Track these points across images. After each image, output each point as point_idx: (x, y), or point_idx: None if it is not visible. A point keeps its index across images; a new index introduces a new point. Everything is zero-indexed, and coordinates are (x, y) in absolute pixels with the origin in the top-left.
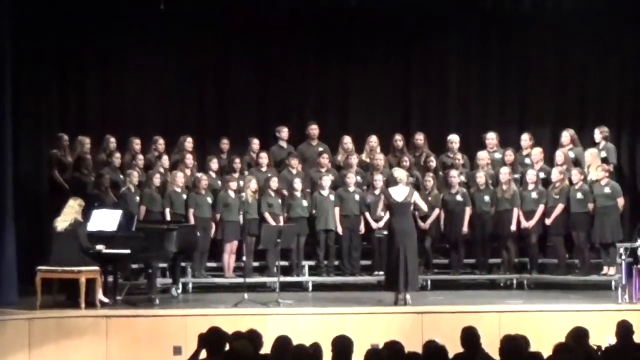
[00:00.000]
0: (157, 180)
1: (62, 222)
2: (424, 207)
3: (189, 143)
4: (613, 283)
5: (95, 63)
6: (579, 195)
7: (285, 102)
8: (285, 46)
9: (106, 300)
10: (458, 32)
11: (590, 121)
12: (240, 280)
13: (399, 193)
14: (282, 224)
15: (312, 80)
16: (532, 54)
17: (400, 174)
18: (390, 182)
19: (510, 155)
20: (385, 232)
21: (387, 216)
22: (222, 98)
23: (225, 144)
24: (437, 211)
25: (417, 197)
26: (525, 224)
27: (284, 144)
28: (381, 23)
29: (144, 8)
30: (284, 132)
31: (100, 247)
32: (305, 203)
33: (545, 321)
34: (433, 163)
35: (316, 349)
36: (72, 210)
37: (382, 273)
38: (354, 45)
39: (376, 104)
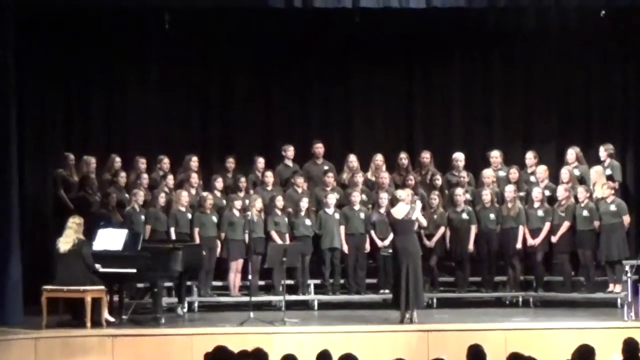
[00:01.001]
0: (161, 199)
1: (65, 244)
2: (423, 222)
3: (194, 162)
4: (619, 300)
5: (99, 82)
6: (585, 213)
7: (289, 121)
8: (289, 64)
9: (112, 319)
10: (461, 49)
11: (595, 138)
12: (246, 298)
13: (398, 210)
14: (287, 242)
15: (317, 98)
16: (536, 70)
17: (400, 193)
18: (393, 201)
19: (514, 173)
20: (391, 251)
21: (392, 235)
22: (227, 117)
23: (230, 162)
24: (442, 229)
25: (417, 213)
26: (530, 242)
27: (290, 163)
28: (384, 41)
29: (148, 27)
30: (290, 151)
31: (97, 266)
32: (309, 222)
33: (551, 339)
34: (438, 181)
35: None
36: (71, 230)
37: (387, 291)
38: (357, 63)
39: (380, 122)
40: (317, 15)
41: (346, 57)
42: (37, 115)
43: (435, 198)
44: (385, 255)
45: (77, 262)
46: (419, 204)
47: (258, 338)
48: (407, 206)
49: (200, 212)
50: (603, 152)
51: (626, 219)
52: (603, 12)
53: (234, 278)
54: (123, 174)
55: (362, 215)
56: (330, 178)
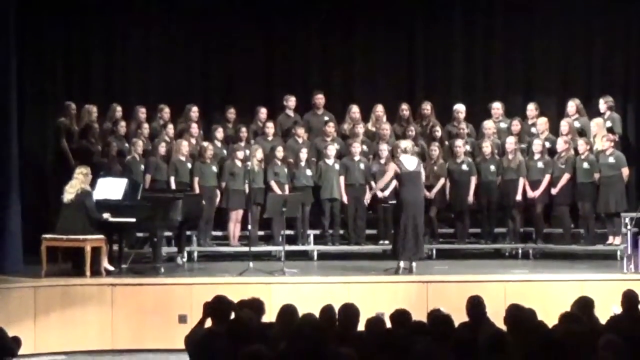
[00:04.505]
0: (162, 148)
1: (69, 194)
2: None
3: (194, 112)
4: (618, 252)
5: (99, 30)
6: (585, 165)
7: (291, 72)
8: (290, 14)
9: (111, 268)
10: (461, 4)
11: (597, 91)
12: (245, 248)
13: (409, 162)
14: (287, 192)
15: (318, 48)
16: (537, 22)
17: (407, 144)
18: (399, 152)
19: (516, 125)
20: (392, 201)
21: (392, 185)
22: (228, 67)
23: (231, 113)
24: (442, 180)
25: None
26: (530, 194)
27: (291, 113)
28: None
29: None
30: (292, 101)
31: (106, 215)
32: (310, 172)
33: (551, 291)
34: (438, 132)
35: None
36: (77, 180)
37: (387, 242)
38: (359, 13)
39: (381, 73)
40: None
41: (348, 7)
42: (37, 65)
43: (435, 149)
44: (386, 206)
45: (78, 212)
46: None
47: (257, 288)
48: (415, 158)
49: (201, 161)
50: (603, 104)
51: (625, 172)
52: None
53: (234, 228)
54: (123, 124)
55: (362, 166)
56: (330, 128)
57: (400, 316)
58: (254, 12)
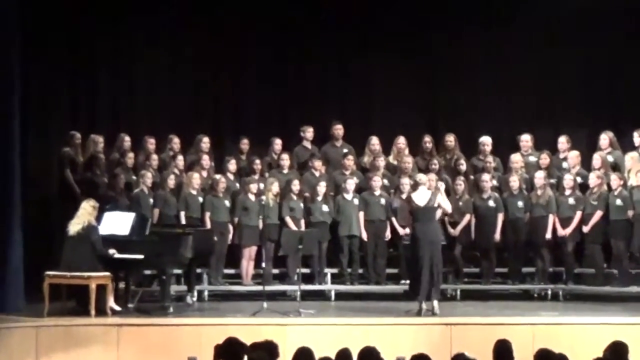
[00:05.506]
0: (171, 181)
1: (75, 225)
2: (448, 208)
3: (204, 143)
4: None
5: (106, 58)
6: (618, 202)
7: (306, 101)
8: (307, 38)
9: (117, 307)
10: (484, 28)
11: (630, 123)
12: (259, 287)
13: (420, 197)
14: (303, 228)
15: (335, 76)
16: (568, 53)
17: (420, 177)
18: (414, 186)
19: (545, 159)
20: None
21: None
22: (241, 96)
23: (244, 144)
24: (467, 217)
25: (440, 199)
26: (561, 231)
27: (308, 145)
28: (403, 18)
29: (156, 1)
30: (309, 132)
31: (112, 252)
32: (326, 207)
33: (582, 335)
34: (463, 166)
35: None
36: (84, 212)
37: (409, 281)
38: (377, 41)
39: (403, 103)
40: None
41: (366, 34)
42: (41, 92)
43: (460, 184)
44: (407, 243)
45: (83, 246)
46: (441, 187)
47: (271, 330)
48: (429, 192)
49: (212, 195)
50: (637, 137)
51: None
52: None
53: (247, 266)
54: (131, 155)
55: (382, 201)
56: (349, 161)
57: None
58: (267, 39)
